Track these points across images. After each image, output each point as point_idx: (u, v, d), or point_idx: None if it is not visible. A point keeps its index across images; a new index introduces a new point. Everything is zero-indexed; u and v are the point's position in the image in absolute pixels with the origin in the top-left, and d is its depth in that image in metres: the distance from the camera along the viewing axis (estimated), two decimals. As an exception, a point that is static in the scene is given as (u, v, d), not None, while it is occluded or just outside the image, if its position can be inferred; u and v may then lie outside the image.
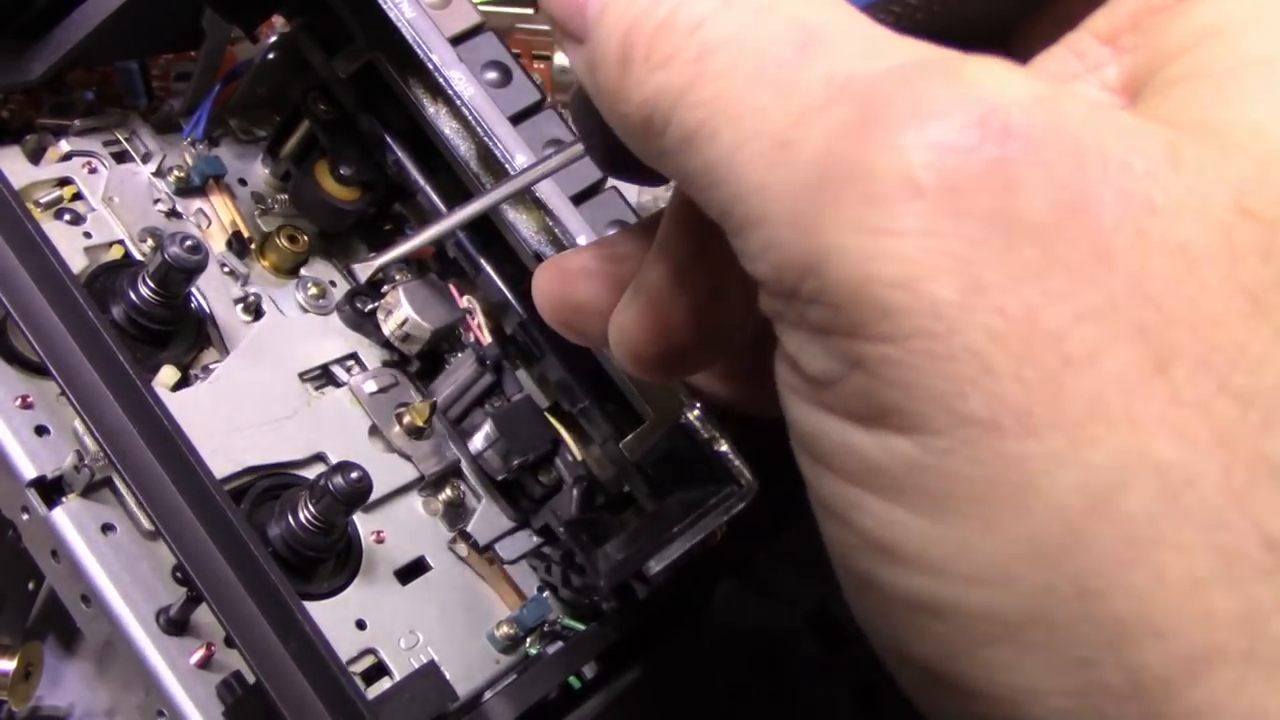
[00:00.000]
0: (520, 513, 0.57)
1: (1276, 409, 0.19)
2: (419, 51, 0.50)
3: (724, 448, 0.42)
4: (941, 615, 0.20)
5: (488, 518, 0.56)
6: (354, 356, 0.58)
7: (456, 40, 0.52)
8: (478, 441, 0.56)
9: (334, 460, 0.52)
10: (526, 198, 0.51)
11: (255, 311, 0.56)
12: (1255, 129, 0.20)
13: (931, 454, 0.20)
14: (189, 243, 0.48)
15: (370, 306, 0.58)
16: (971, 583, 0.20)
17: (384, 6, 0.50)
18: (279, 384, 0.54)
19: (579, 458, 0.56)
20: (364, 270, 0.50)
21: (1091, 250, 0.19)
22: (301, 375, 0.55)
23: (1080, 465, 0.19)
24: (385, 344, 0.58)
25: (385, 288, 0.57)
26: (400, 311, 0.56)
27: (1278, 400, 0.19)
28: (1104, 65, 0.23)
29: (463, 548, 0.55)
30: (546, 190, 0.50)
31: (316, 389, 0.55)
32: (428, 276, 0.58)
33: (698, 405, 0.43)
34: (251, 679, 0.40)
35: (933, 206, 0.19)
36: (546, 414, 0.57)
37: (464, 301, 0.58)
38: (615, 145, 0.27)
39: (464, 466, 0.57)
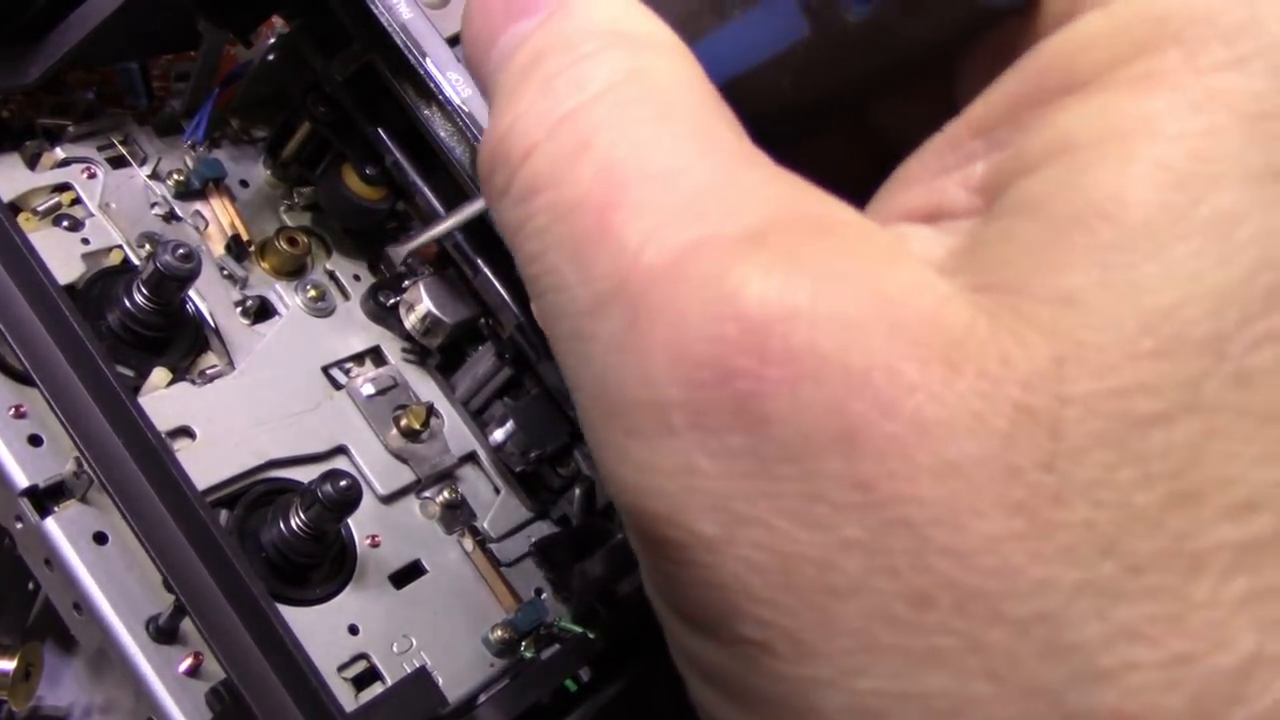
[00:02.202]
0: (538, 504, 0.58)
1: (1057, 634, 0.18)
2: (411, 56, 0.49)
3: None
4: None
5: (506, 510, 0.57)
6: (376, 350, 0.59)
7: (455, 40, 0.52)
8: (498, 434, 0.56)
9: (356, 453, 0.54)
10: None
11: (255, 314, 0.56)
12: (1064, 302, 0.18)
13: (725, 659, 0.20)
14: (181, 251, 0.48)
15: (392, 301, 0.58)
16: None
17: (377, 11, 0.50)
18: (303, 378, 0.55)
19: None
20: (397, 254, 0.51)
21: (854, 481, 0.18)
22: (325, 369, 0.56)
23: (848, 691, 0.19)
24: (406, 338, 0.58)
25: (406, 283, 0.58)
26: (421, 306, 0.56)
27: (1060, 625, 0.18)
28: (973, 160, 0.22)
29: (469, 543, 0.55)
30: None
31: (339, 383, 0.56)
32: (448, 272, 0.58)
33: None
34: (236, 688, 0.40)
35: (688, 445, 0.19)
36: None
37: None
38: None
39: (483, 458, 0.58)
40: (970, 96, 0.22)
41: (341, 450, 0.53)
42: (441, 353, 0.59)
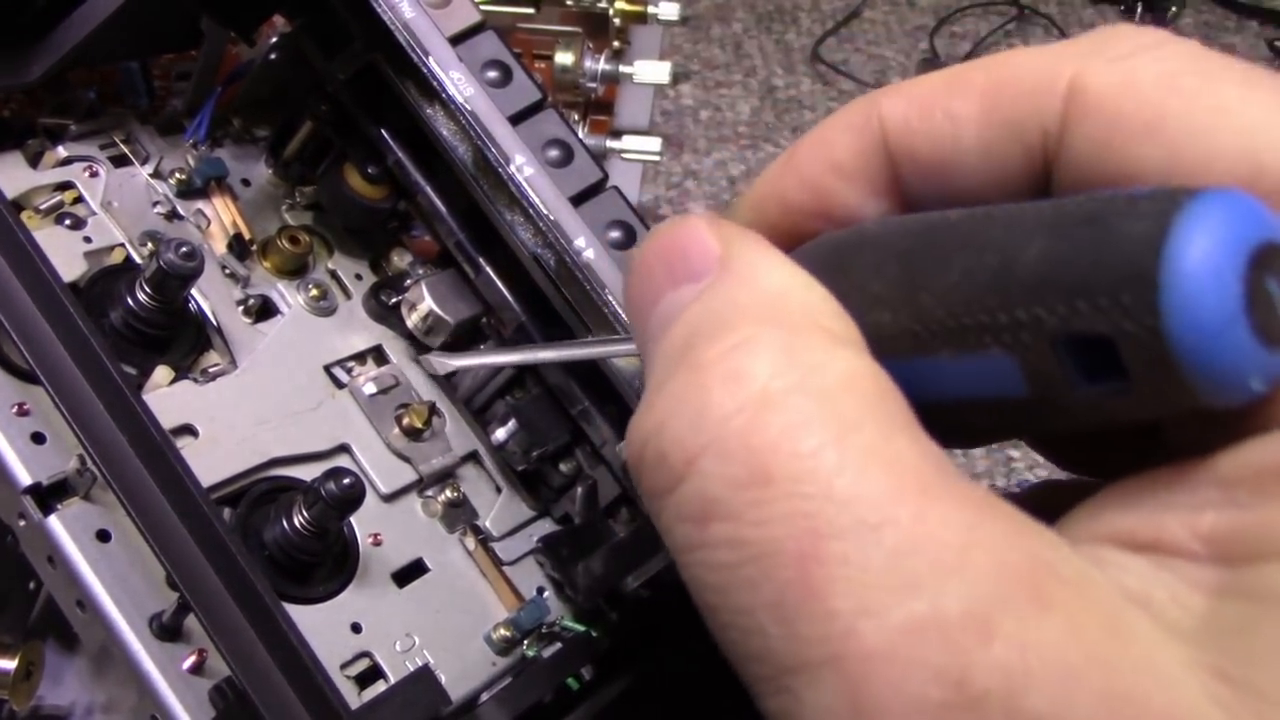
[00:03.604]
0: (540, 503, 0.58)
1: None
2: (414, 54, 0.50)
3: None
4: None
5: (508, 508, 0.57)
6: (378, 349, 0.59)
7: (456, 40, 0.52)
8: (500, 433, 0.56)
9: (359, 451, 0.54)
10: (522, 200, 0.50)
11: (257, 313, 0.56)
12: None
13: None
14: (184, 249, 0.48)
15: (394, 300, 0.58)
16: None
17: (379, 8, 0.50)
18: (305, 376, 0.55)
19: (598, 448, 0.56)
20: (442, 366, 0.50)
21: None
22: (327, 368, 0.56)
23: None
24: (409, 337, 0.58)
25: (408, 282, 0.58)
26: (424, 305, 0.56)
27: None
28: (1206, 509, 0.21)
29: (471, 541, 0.55)
30: (545, 191, 0.50)
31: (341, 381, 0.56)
32: (450, 271, 0.58)
33: None
34: (240, 685, 0.40)
35: None
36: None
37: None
38: None
39: (485, 457, 0.58)
40: None
41: (344, 449, 0.54)
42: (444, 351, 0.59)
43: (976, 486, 0.21)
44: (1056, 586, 0.19)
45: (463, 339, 0.59)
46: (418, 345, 0.59)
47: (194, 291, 0.53)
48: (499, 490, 0.57)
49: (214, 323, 0.54)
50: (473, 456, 0.58)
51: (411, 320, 0.57)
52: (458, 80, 0.50)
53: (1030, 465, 0.84)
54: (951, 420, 0.23)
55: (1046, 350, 0.21)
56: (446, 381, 0.59)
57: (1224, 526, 0.20)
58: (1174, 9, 1.32)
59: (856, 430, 0.20)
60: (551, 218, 0.49)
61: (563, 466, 0.57)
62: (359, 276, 0.61)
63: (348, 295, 0.60)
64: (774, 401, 0.21)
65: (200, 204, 0.57)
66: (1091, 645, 0.18)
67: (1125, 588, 0.20)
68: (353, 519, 0.50)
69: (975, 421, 0.24)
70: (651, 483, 0.22)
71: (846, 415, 0.21)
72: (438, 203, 0.56)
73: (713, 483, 0.21)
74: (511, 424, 0.56)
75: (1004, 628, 0.19)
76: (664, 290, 0.24)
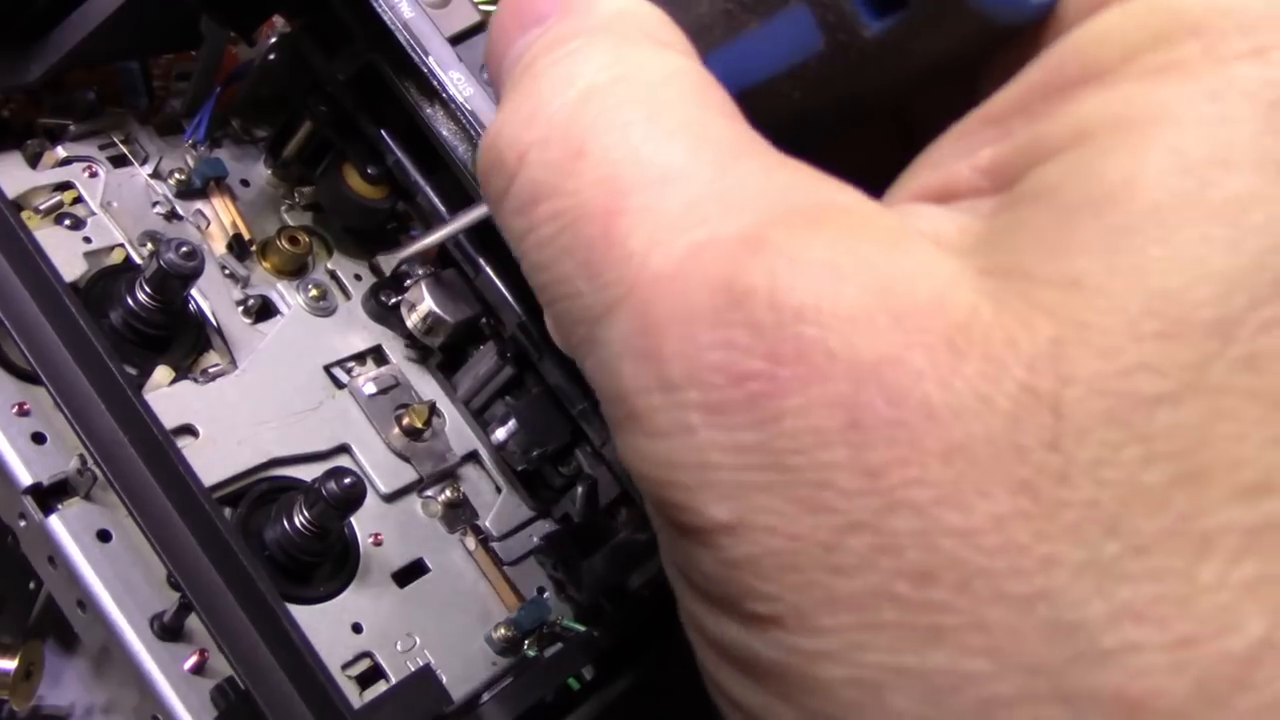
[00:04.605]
0: (540, 503, 0.58)
1: (1061, 613, 0.18)
2: (414, 54, 0.50)
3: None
4: None
5: (508, 508, 0.57)
6: (378, 350, 0.59)
7: (456, 40, 0.52)
8: (500, 433, 0.56)
9: (358, 451, 0.54)
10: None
11: (256, 313, 0.56)
12: (1071, 285, 0.19)
13: (739, 632, 0.21)
14: (185, 249, 0.48)
15: (394, 301, 0.58)
16: None
17: (379, 8, 0.50)
18: (305, 377, 0.55)
19: (598, 448, 0.56)
20: (388, 263, 0.51)
21: (861, 469, 0.19)
22: (327, 368, 0.56)
23: (851, 664, 0.19)
24: (408, 337, 0.59)
25: (408, 282, 0.58)
26: (423, 305, 0.56)
27: (1064, 604, 0.18)
28: (984, 145, 0.22)
29: (471, 541, 0.55)
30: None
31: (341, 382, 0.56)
32: (449, 272, 0.58)
33: None
34: (243, 685, 0.40)
35: (705, 442, 0.20)
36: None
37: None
38: None
39: (485, 457, 0.58)
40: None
41: (344, 449, 0.54)
42: (443, 352, 0.59)
43: (789, 158, 0.22)
44: (835, 214, 0.21)
45: (462, 338, 0.59)
46: (417, 346, 0.59)
47: (194, 291, 0.52)
48: (499, 490, 0.57)
49: (214, 323, 0.53)
50: (473, 457, 0.58)
51: (411, 321, 0.57)
52: (457, 80, 0.50)
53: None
54: (765, 103, 0.24)
55: None
56: (447, 381, 0.59)
57: (1002, 156, 0.22)
58: None
59: (669, 110, 0.22)
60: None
61: (562, 467, 0.57)
62: (358, 277, 0.61)
63: (347, 296, 0.60)
64: (597, 91, 0.22)
65: (200, 204, 0.57)
66: (861, 252, 0.20)
67: (918, 230, 0.21)
68: (353, 519, 0.50)
69: (787, 95, 0.25)
70: (493, 188, 0.24)
71: (663, 98, 0.22)
72: (437, 203, 0.56)
73: (538, 169, 0.22)
74: (511, 424, 0.56)
75: (774, 239, 0.20)
76: (514, 38, 0.25)
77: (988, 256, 0.20)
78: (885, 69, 0.23)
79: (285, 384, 0.54)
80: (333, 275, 0.60)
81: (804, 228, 0.20)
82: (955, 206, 0.22)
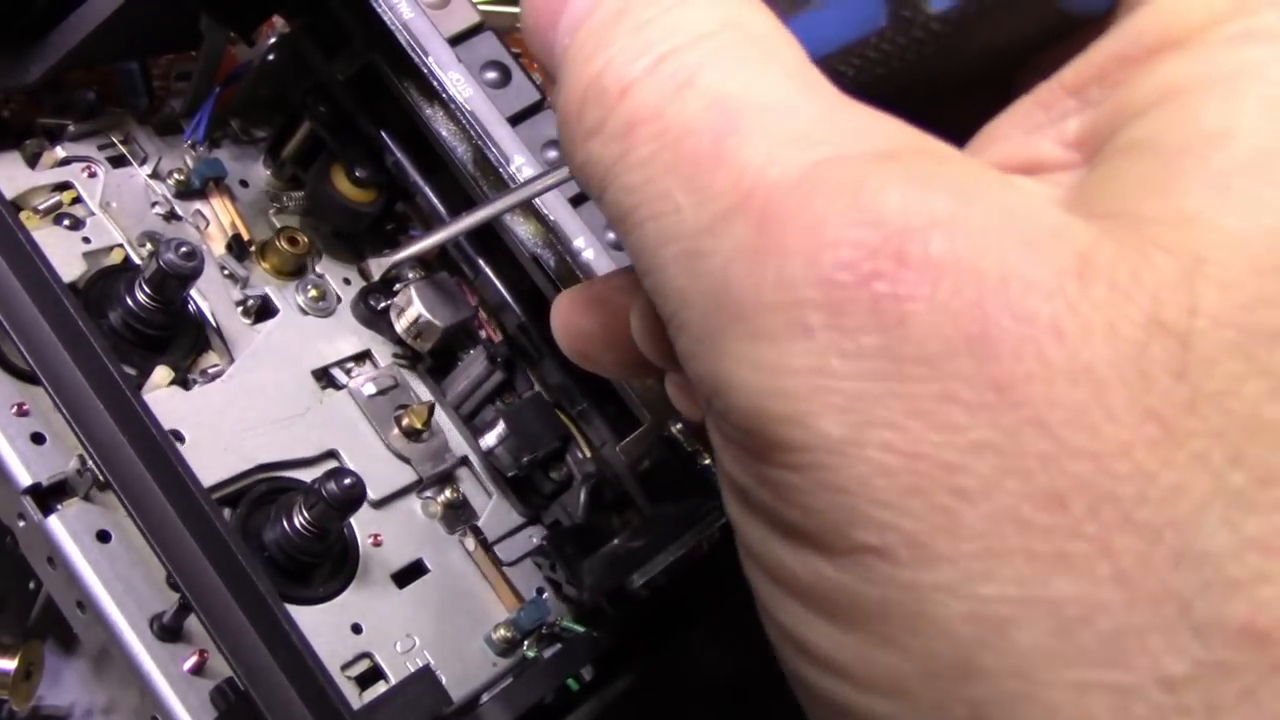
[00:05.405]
0: (531, 509, 0.58)
1: (1188, 542, 0.18)
2: (413, 54, 0.50)
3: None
4: (847, 716, 0.21)
5: (498, 514, 0.57)
6: (367, 354, 0.58)
7: (455, 40, 0.52)
8: (489, 438, 0.56)
9: (346, 457, 0.53)
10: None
11: (256, 314, 0.56)
12: (1185, 223, 0.19)
13: (834, 570, 0.20)
14: (184, 249, 0.48)
15: (383, 305, 0.58)
16: (871, 691, 0.20)
17: (379, 8, 0.50)
18: (292, 382, 0.54)
19: (589, 454, 0.56)
20: (377, 267, 0.50)
21: (988, 382, 0.18)
22: (315, 373, 0.56)
23: (971, 598, 0.18)
24: (398, 341, 0.58)
25: (397, 286, 0.58)
26: (412, 309, 0.56)
27: (1191, 533, 0.18)
28: (1067, 118, 0.22)
29: (471, 542, 0.55)
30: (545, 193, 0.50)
31: (328, 387, 0.56)
32: (439, 275, 0.58)
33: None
34: (242, 686, 0.40)
35: (822, 346, 0.19)
36: (557, 411, 0.57)
37: (475, 300, 0.58)
38: None
39: (475, 462, 0.57)
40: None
41: (331, 455, 0.53)
42: (433, 357, 0.59)
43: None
44: (953, 155, 0.21)
45: (451, 343, 0.58)
46: (406, 350, 0.58)
47: (193, 292, 0.52)
48: (489, 495, 0.57)
49: (213, 323, 0.53)
50: (463, 462, 0.57)
51: (400, 325, 0.56)
52: (457, 81, 0.50)
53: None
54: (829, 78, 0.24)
55: None
56: (436, 386, 0.59)
57: (1086, 126, 0.22)
58: None
59: (779, 55, 0.22)
60: (551, 219, 0.49)
61: (553, 474, 0.57)
62: (347, 281, 0.60)
63: (336, 299, 0.59)
64: (707, 35, 0.22)
65: (199, 205, 0.57)
66: (985, 181, 0.20)
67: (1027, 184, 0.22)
68: (352, 520, 0.50)
69: (842, 73, 0.25)
70: (588, 120, 0.23)
71: (772, 45, 0.22)
72: (436, 203, 0.56)
73: (643, 96, 0.22)
74: (501, 428, 0.55)
75: (904, 158, 0.20)
76: (562, 7, 0.25)
77: (1094, 205, 0.20)
78: (945, 51, 0.23)
79: (271, 389, 0.53)
80: (320, 279, 0.59)
81: (929, 158, 0.21)
82: (1043, 179, 0.22)
